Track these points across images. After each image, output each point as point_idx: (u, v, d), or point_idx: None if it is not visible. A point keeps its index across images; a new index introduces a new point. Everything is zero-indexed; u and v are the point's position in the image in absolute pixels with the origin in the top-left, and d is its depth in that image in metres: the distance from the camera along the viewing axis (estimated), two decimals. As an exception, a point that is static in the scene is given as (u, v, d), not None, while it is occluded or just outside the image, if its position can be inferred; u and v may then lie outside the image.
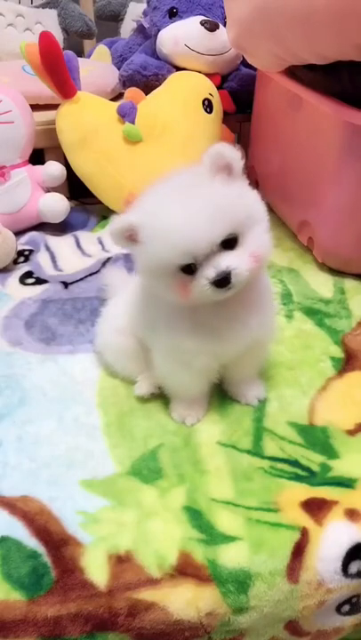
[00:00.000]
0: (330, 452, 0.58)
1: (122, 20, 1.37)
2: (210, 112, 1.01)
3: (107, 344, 0.66)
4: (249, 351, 0.57)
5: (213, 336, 0.54)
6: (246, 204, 0.49)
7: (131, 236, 0.49)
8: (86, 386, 0.66)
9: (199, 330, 0.54)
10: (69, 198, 1.00)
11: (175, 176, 0.50)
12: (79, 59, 0.96)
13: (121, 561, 0.47)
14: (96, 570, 0.47)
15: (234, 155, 0.48)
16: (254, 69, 1.01)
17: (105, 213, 1.04)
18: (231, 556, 0.48)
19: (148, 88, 1.04)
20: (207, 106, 1.00)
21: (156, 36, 1.08)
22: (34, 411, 0.62)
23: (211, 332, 0.54)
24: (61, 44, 1.18)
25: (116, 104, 0.98)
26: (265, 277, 0.58)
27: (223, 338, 0.54)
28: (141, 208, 0.49)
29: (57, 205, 0.95)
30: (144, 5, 1.20)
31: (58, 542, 0.49)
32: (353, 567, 0.48)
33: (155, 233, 0.47)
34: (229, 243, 0.48)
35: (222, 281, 0.48)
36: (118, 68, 1.13)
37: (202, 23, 1.01)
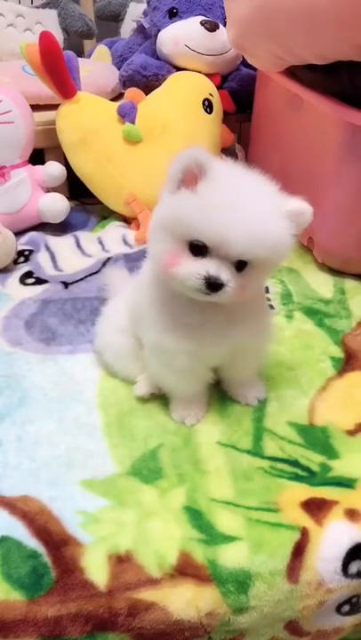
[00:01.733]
0: (330, 452, 0.58)
1: (122, 20, 1.37)
2: (210, 112, 1.01)
3: (107, 344, 0.66)
4: (241, 355, 0.57)
5: (191, 337, 0.54)
6: (283, 251, 0.49)
7: (191, 177, 0.46)
8: (86, 386, 0.66)
9: (178, 328, 0.53)
10: (69, 198, 1.00)
11: (263, 181, 0.50)
12: (79, 59, 0.96)
13: (121, 561, 0.47)
14: (96, 570, 0.47)
15: (309, 221, 0.49)
16: (254, 69, 1.01)
17: (105, 213, 1.04)
18: (231, 556, 0.48)
19: (148, 88, 1.04)
20: (207, 106, 1.00)
21: (156, 36, 1.08)
22: (34, 411, 0.62)
23: (188, 332, 0.53)
24: (61, 44, 1.18)
25: (116, 104, 0.98)
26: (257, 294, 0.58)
27: (201, 340, 0.54)
28: (225, 170, 0.48)
29: (57, 205, 0.95)
30: (144, 5, 1.20)
31: (58, 542, 0.49)
32: (353, 567, 0.48)
33: (214, 196, 0.46)
34: (242, 263, 0.48)
35: (213, 285, 0.47)
36: (118, 69, 1.13)
37: (202, 23, 1.01)
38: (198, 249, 0.47)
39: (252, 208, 0.46)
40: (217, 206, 0.45)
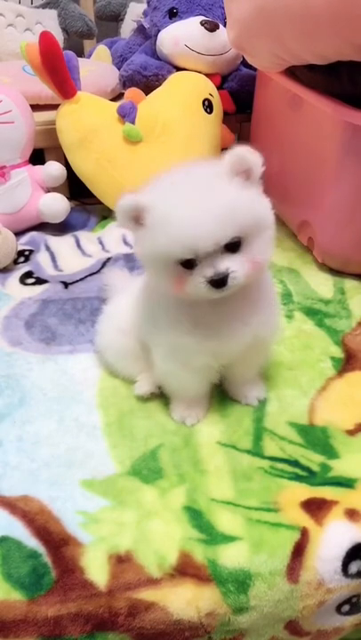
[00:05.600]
0: (330, 452, 0.58)
1: (122, 20, 1.37)
2: (210, 112, 1.01)
3: (107, 344, 0.66)
4: (251, 350, 0.57)
5: (214, 335, 0.54)
6: (257, 210, 0.49)
7: (137, 217, 0.48)
8: (86, 386, 0.66)
9: (200, 329, 0.53)
10: (69, 198, 1.00)
11: (193, 168, 0.50)
12: (79, 59, 0.96)
13: (121, 561, 0.48)
14: (96, 570, 0.47)
15: (256, 160, 0.48)
16: (254, 69, 1.01)
17: (105, 213, 1.04)
18: (231, 556, 0.48)
19: (148, 88, 1.04)
20: (207, 106, 1.00)
21: (156, 36, 1.08)
22: (34, 411, 0.62)
23: (211, 331, 0.54)
24: (61, 45, 1.18)
25: (116, 104, 0.98)
26: (267, 277, 0.57)
27: (224, 337, 0.54)
28: (154, 192, 0.49)
29: (57, 205, 0.95)
30: (144, 5, 1.20)
31: (58, 542, 0.49)
32: (353, 567, 0.48)
33: (161, 220, 0.47)
34: (233, 245, 0.48)
35: (219, 282, 0.48)
36: (118, 69, 1.13)
37: (202, 23, 1.01)
38: (189, 263, 0.48)
39: (198, 200, 0.46)
40: (169, 224, 0.46)
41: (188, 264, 0.48)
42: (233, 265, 0.48)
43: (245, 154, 0.47)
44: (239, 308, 0.53)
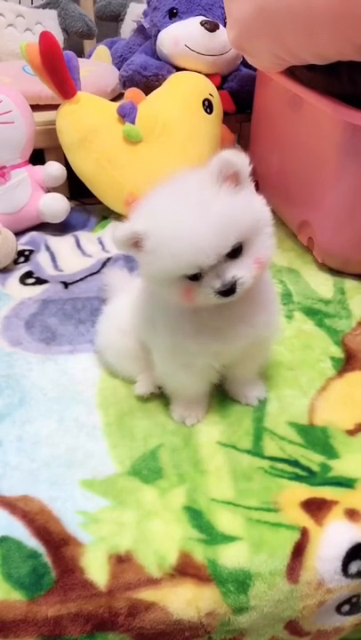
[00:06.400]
0: (330, 452, 0.58)
1: (122, 20, 1.37)
2: (210, 112, 1.01)
3: (107, 344, 0.66)
4: (251, 350, 0.57)
5: (216, 337, 0.54)
6: (253, 211, 0.48)
7: (136, 244, 0.48)
8: (86, 386, 0.66)
9: (202, 331, 0.53)
10: (69, 198, 1.00)
11: (179, 180, 0.49)
12: (79, 59, 0.96)
13: (121, 561, 0.48)
14: (96, 570, 0.47)
15: (242, 162, 0.47)
16: (254, 69, 1.01)
17: (105, 213, 1.04)
18: (231, 556, 0.48)
19: (148, 88, 1.04)
20: (207, 106, 1.00)
21: (156, 36, 1.08)
22: (34, 411, 0.62)
23: (214, 333, 0.54)
24: (61, 45, 1.18)
25: (116, 104, 0.98)
26: (267, 276, 0.57)
27: (227, 338, 0.54)
28: (146, 216, 0.48)
29: (57, 205, 0.95)
30: (144, 6, 1.20)
31: (58, 542, 0.49)
32: (353, 567, 0.48)
33: (161, 243, 0.47)
34: (235, 251, 0.48)
35: (227, 291, 0.48)
36: (118, 69, 1.13)
37: (202, 23, 1.01)
38: (195, 275, 0.48)
39: (190, 217, 0.46)
40: (168, 247, 0.46)
41: (195, 276, 0.48)
42: (239, 272, 0.48)
43: (230, 157, 0.46)
44: (242, 309, 0.53)
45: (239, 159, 0.46)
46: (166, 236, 0.46)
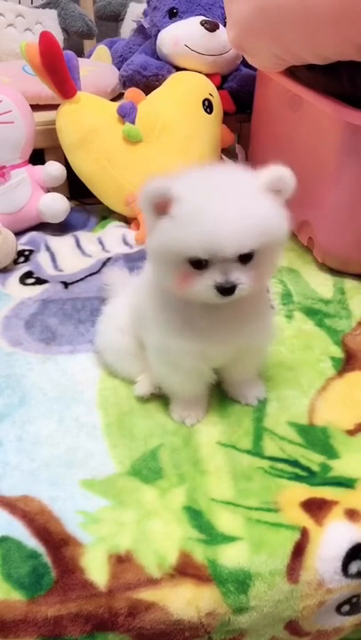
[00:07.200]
0: (330, 452, 0.58)
1: (122, 20, 1.37)
2: (210, 112, 1.01)
3: (108, 344, 0.66)
4: (243, 355, 0.57)
5: (201, 337, 0.54)
6: (279, 229, 0.49)
7: (162, 205, 0.47)
8: (86, 386, 0.66)
9: (186, 330, 0.53)
10: (69, 198, 1.00)
11: (231, 170, 0.50)
12: (79, 59, 0.96)
13: (121, 561, 0.48)
14: (96, 570, 0.47)
15: (292, 184, 0.48)
16: (254, 69, 1.01)
17: (105, 213, 1.04)
18: (231, 556, 0.48)
19: (148, 88, 1.04)
20: (207, 106, 1.00)
21: (156, 36, 1.08)
22: (34, 411, 0.62)
23: (198, 333, 0.53)
24: (61, 44, 1.18)
25: (116, 104, 0.98)
26: (263, 287, 0.58)
27: (210, 340, 0.54)
28: (187, 182, 0.48)
29: (57, 205, 0.95)
30: (144, 5, 1.20)
31: (58, 542, 0.49)
32: (353, 567, 0.48)
33: (190, 213, 0.46)
34: (246, 257, 0.48)
35: (227, 290, 0.48)
36: (118, 69, 1.13)
37: (202, 23, 1.01)
38: (200, 263, 0.47)
39: (230, 205, 0.46)
40: (196, 221, 0.46)
41: (198, 264, 0.48)
42: (243, 277, 0.48)
43: (286, 175, 0.48)
44: (230, 315, 0.53)
45: (291, 181, 0.48)
46: (200, 208, 0.46)
